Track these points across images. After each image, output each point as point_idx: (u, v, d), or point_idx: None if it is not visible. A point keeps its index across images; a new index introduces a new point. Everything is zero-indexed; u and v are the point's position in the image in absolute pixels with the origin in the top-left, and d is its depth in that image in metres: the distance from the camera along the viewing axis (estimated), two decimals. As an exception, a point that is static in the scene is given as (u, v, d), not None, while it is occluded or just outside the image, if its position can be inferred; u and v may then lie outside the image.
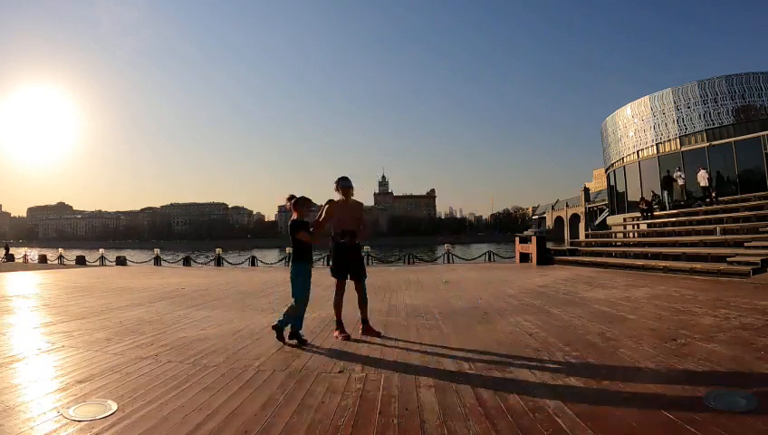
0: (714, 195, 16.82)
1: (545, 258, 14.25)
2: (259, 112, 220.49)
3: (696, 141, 20.12)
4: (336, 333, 4.71)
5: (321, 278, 11.92)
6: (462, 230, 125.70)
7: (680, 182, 17.89)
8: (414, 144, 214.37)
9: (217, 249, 23.36)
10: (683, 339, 4.17)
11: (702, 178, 16.73)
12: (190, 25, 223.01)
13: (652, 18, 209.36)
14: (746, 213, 12.58)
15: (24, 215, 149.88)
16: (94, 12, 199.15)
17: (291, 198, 4.76)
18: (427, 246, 66.54)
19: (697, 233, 12.60)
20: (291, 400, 2.94)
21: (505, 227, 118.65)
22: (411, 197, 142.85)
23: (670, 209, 17.07)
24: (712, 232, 12.26)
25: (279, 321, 4.58)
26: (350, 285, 4.93)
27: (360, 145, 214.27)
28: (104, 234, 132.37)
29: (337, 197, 4.89)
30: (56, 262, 24.61)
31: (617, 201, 25.58)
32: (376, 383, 3.23)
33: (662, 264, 10.40)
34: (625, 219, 20.18)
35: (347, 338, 4.58)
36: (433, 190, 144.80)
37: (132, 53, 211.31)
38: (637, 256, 12.29)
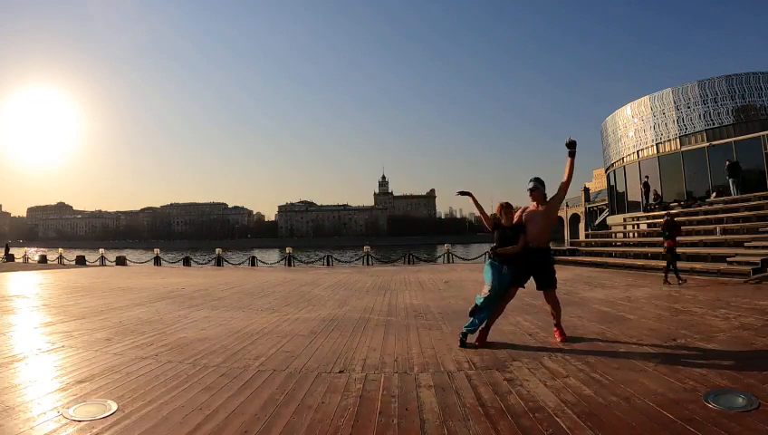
0: (714, 195, 16.82)
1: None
2: (259, 112, 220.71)
3: (696, 141, 20.09)
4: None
5: (321, 277, 11.94)
6: (462, 230, 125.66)
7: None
8: (414, 144, 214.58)
9: (218, 249, 23.37)
10: (683, 339, 4.17)
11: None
12: (190, 25, 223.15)
13: (652, 18, 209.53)
14: (746, 213, 12.56)
15: (24, 215, 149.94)
16: (89, 10, 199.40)
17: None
18: (427, 245, 66.54)
19: (697, 233, 12.60)
20: (291, 400, 2.94)
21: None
22: (411, 197, 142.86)
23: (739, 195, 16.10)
24: (712, 232, 12.25)
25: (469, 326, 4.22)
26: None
27: (360, 145, 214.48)
28: (104, 234, 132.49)
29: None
30: (56, 262, 24.61)
31: (617, 201, 25.55)
32: (376, 383, 3.23)
33: (662, 264, 10.38)
34: (625, 219, 20.16)
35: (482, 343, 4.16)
36: (433, 190, 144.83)
37: (130, 52, 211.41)
38: (637, 256, 12.29)
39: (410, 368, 3.59)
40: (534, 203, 4.35)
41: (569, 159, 4.27)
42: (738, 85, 19.34)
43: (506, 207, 4.35)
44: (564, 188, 4.34)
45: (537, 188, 4.31)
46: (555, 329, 4.40)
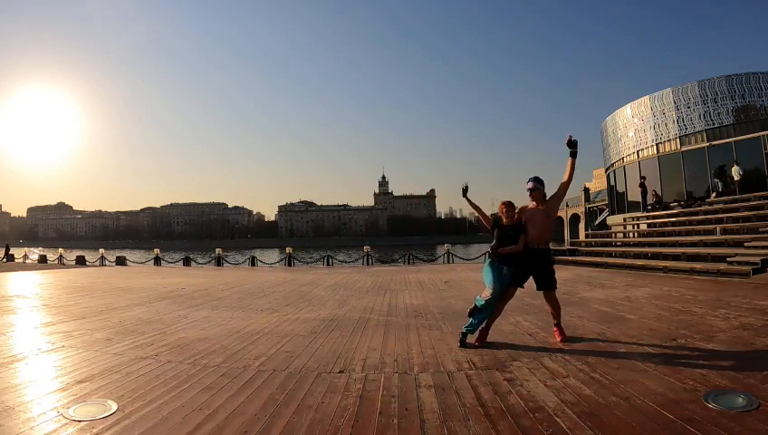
0: (714, 195, 16.84)
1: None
2: (259, 112, 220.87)
3: (696, 141, 20.09)
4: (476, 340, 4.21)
5: (321, 277, 11.93)
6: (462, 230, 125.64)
7: (736, 177, 16.49)
8: (414, 144, 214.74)
9: (218, 249, 23.37)
10: (683, 339, 4.17)
11: (736, 172, 16.23)
12: (190, 25, 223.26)
13: (652, 18, 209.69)
14: (746, 213, 12.57)
15: (24, 215, 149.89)
16: (89, 10, 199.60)
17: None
18: (427, 245, 66.57)
19: (697, 233, 12.59)
20: (291, 400, 2.94)
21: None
22: (411, 197, 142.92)
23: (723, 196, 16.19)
24: (712, 232, 12.25)
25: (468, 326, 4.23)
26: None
27: (360, 145, 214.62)
28: (104, 234, 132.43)
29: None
30: (56, 262, 24.60)
31: (617, 201, 25.55)
32: (376, 383, 3.23)
33: (662, 264, 10.40)
34: (625, 219, 20.16)
35: (482, 343, 4.17)
36: (433, 190, 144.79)
37: (130, 52, 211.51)
38: (637, 256, 12.29)
39: (410, 368, 3.59)
40: (534, 203, 4.32)
41: (570, 159, 4.23)
42: (738, 85, 19.33)
43: (508, 206, 4.32)
44: (565, 187, 4.32)
45: (537, 188, 4.27)
46: (555, 329, 4.40)
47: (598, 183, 73.07)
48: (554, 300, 4.36)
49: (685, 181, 20.05)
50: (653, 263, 10.74)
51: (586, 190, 71.66)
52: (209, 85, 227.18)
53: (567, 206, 77.61)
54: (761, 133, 17.35)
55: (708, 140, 19.60)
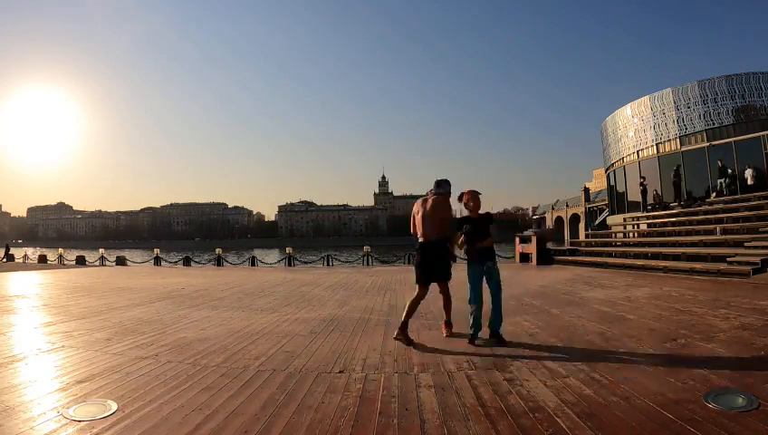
0: (714, 195, 16.84)
1: (545, 258, 14.25)
2: (259, 112, 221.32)
3: (696, 141, 20.10)
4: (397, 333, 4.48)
5: (321, 277, 11.93)
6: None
7: (750, 180, 16.32)
8: (414, 144, 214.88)
9: (218, 249, 23.36)
10: (683, 339, 4.17)
11: (749, 176, 16.20)
12: (190, 25, 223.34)
13: (652, 18, 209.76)
14: (746, 213, 12.56)
15: (24, 215, 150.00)
16: (88, 10, 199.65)
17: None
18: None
19: (697, 233, 12.59)
20: (291, 400, 2.94)
21: (505, 227, 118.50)
22: (411, 197, 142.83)
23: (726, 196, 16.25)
24: (712, 232, 12.25)
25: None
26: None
27: (360, 145, 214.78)
28: (104, 234, 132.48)
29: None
30: (56, 262, 24.60)
31: (617, 201, 25.56)
32: (376, 383, 3.23)
33: (662, 264, 10.39)
34: (625, 219, 20.16)
35: (410, 343, 4.31)
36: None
37: (130, 52, 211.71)
38: (637, 256, 12.28)
39: (410, 368, 3.59)
40: (436, 200, 4.57)
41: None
42: (738, 85, 19.34)
43: (473, 195, 4.39)
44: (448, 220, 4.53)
45: (439, 193, 4.61)
46: (443, 324, 4.77)
47: (598, 183, 73.01)
48: (448, 293, 4.69)
49: (685, 181, 20.07)
50: (653, 263, 10.73)
51: (586, 190, 71.63)
52: (209, 85, 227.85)
53: (567, 206, 77.61)
54: (761, 133, 17.35)
55: (708, 140, 19.61)
